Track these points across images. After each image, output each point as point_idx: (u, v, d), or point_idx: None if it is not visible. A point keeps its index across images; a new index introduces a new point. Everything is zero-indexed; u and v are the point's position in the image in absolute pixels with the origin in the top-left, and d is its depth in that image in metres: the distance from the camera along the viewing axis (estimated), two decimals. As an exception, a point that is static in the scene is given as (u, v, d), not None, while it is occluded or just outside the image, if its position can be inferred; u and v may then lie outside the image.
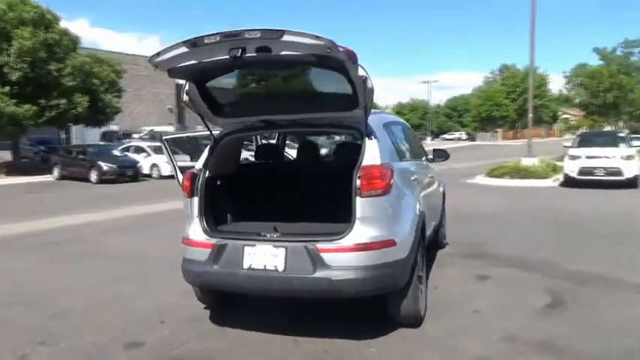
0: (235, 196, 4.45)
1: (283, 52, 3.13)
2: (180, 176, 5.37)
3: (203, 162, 4.04)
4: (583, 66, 38.06)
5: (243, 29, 3.03)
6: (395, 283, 3.64)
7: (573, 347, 3.57)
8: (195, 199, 3.88)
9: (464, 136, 71.57)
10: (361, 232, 3.50)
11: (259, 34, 3.02)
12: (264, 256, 3.61)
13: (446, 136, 73.88)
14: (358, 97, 3.59)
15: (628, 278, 5.18)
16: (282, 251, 3.58)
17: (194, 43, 3.16)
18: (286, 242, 3.60)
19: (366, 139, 3.74)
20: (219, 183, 4.09)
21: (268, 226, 3.90)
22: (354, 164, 3.63)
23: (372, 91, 3.53)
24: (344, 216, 3.75)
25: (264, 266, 3.60)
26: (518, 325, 3.98)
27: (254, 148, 5.35)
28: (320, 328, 3.95)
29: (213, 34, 3.10)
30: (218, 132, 4.28)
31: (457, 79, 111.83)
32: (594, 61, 37.96)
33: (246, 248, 3.66)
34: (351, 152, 4.14)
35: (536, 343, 3.65)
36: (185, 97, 3.87)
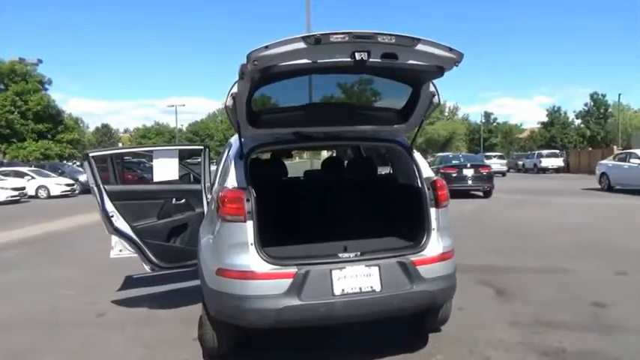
0: (277, 217, 3.82)
1: (410, 62, 2.96)
2: (107, 202, 4.34)
3: (241, 179, 3.38)
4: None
5: (377, 32, 2.77)
6: (456, 287, 3.73)
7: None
8: (250, 224, 3.21)
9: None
10: (439, 242, 3.51)
11: (394, 40, 2.81)
12: (356, 277, 3.22)
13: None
14: (412, 111, 3.63)
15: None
16: (375, 270, 3.25)
17: (318, 40, 2.73)
18: (378, 259, 3.31)
19: (414, 152, 3.80)
20: (262, 203, 3.48)
21: (335, 246, 3.49)
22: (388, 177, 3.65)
23: (437, 106, 3.61)
24: (398, 228, 3.69)
25: (360, 289, 3.21)
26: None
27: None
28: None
29: (340, 33, 2.74)
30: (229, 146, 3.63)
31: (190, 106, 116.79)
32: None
33: (334, 272, 3.20)
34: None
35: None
36: (230, 102, 3.21)
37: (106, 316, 4.96)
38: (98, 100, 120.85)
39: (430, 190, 3.55)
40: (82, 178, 22.22)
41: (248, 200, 3.23)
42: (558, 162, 38.27)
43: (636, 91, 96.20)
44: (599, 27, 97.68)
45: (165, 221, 4.78)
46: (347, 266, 3.23)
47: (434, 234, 3.49)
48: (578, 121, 58.72)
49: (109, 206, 4.51)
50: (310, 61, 2.84)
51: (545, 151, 41.08)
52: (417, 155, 3.80)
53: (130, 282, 6.20)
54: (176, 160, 4.67)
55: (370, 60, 2.84)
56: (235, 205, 3.22)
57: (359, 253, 3.33)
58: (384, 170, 4.89)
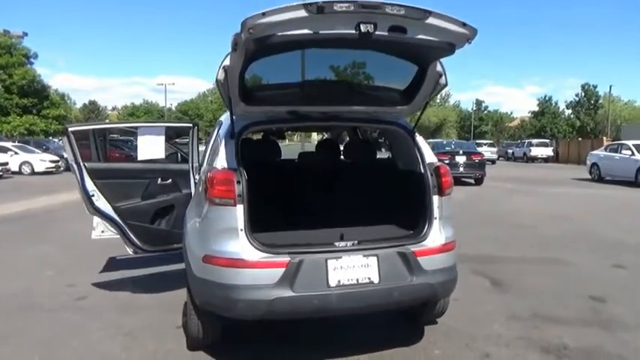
0: (269, 201, 3.58)
1: (419, 36, 2.70)
2: (87, 181, 4.08)
3: (231, 160, 3.13)
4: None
5: (385, 1, 2.52)
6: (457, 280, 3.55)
7: None
8: (241, 208, 2.98)
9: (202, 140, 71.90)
10: (441, 232, 3.31)
11: (403, 11, 2.54)
12: (353, 268, 3.02)
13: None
14: (417, 93, 3.39)
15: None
16: (373, 260, 3.05)
17: (320, 8, 2.47)
18: (376, 249, 3.10)
19: (417, 135, 3.58)
20: (252, 186, 3.24)
21: (331, 234, 3.27)
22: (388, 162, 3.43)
23: (443, 87, 3.37)
24: (398, 216, 3.49)
25: (357, 280, 3.00)
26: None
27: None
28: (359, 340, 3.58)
29: (345, 1, 2.48)
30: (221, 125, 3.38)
31: (180, 85, 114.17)
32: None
33: (329, 262, 2.98)
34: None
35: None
36: (221, 75, 2.94)
37: (85, 300, 4.72)
38: (86, 76, 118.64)
39: (433, 177, 3.34)
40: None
41: (238, 182, 2.99)
42: (548, 151, 38.37)
43: (627, 83, 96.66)
44: (592, 18, 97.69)
45: (149, 202, 4.52)
46: (343, 256, 3.02)
47: (436, 223, 3.29)
48: (568, 112, 58.90)
49: (90, 185, 4.24)
50: (311, 32, 2.58)
51: (535, 140, 41.17)
52: (419, 139, 3.58)
53: (113, 264, 5.95)
54: (162, 138, 4.39)
55: (376, 33, 2.59)
56: (225, 187, 2.98)
57: (356, 242, 3.12)
58: (379, 155, 4.67)
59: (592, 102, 56.70)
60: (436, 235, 3.27)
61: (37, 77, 38.08)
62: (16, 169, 22.21)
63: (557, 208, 11.50)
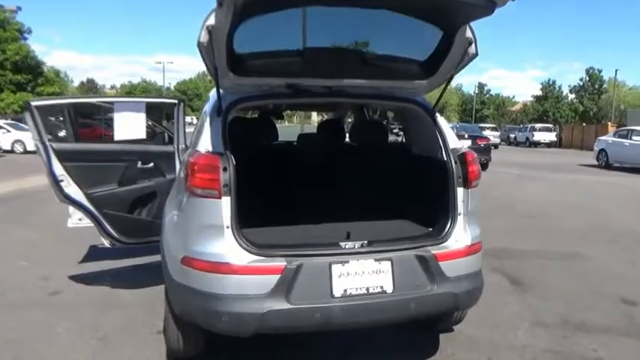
0: (262, 192, 3.06)
1: None
2: (55, 164, 3.56)
3: (217, 142, 2.60)
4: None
5: None
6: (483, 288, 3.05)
7: None
8: (227, 201, 2.45)
9: (195, 121, 70.61)
10: (467, 230, 2.80)
11: None
12: (362, 275, 2.51)
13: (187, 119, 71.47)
14: (440, 64, 2.83)
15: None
16: (387, 265, 2.54)
17: None
18: (391, 251, 2.58)
19: (438, 116, 3.04)
20: (242, 173, 2.71)
21: (336, 232, 2.75)
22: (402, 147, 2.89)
23: (473, 58, 2.81)
24: (415, 211, 2.97)
25: (367, 289, 2.49)
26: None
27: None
28: None
29: None
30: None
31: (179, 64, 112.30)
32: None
33: (334, 267, 2.47)
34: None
35: None
36: (204, 37, 2.38)
37: (59, 295, 4.24)
38: (83, 53, 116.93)
39: (458, 165, 2.81)
40: (62, 133, 21.03)
41: (225, 169, 2.46)
42: (551, 136, 37.75)
43: (631, 69, 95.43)
44: (597, 2, 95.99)
45: (128, 189, 3.98)
46: (350, 260, 2.51)
47: (460, 220, 2.77)
48: (571, 96, 58.05)
49: (58, 169, 3.70)
50: None
51: (538, 125, 40.47)
52: (441, 120, 3.04)
53: (94, 253, 5.42)
54: (143, 115, 3.85)
55: None
56: (208, 176, 2.45)
57: (366, 243, 2.60)
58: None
59: (596, 87, 55.85)
60: (460, 234, 2.76)
61: (32, 53, 37.14)
62: (8, 148, 21.50)
63: (568, 196, 11.01)
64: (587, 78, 56.00)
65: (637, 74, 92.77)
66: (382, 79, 2.95)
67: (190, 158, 2.59)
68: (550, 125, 41.79)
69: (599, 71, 55.61)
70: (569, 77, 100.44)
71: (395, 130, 9.65)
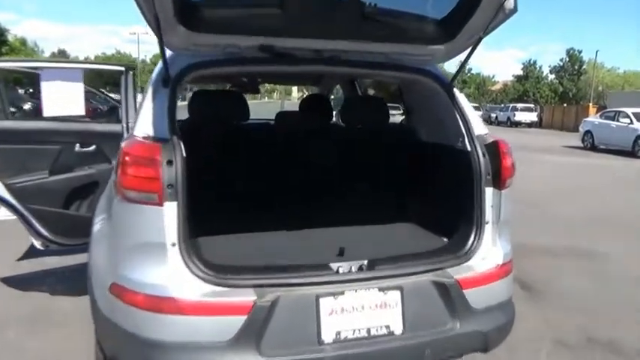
0: (225, 192, 2.33)
1: None
2: None
3: (160, 124, 1.84)
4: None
5: None
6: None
7: None
8: (172, 208, 1.72)
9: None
10: (497, 245, 2.13)
11: None
12: (362, 310, 1.82)
13: None
14: (464, 23, 2.11)
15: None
16: (395, 296, 1.85)
17: None
18: (399, 277, 1.89)
19: (456, 92, 2.33)
20: (198, 167, 1.96)
21: (325, 248, 2.05)
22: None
23: (511, 14, 2.07)
24: (427, 218, 2.30)
25: (368, 331, 1.81)
26: None
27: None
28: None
29: None
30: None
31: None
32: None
33: (323, 301, 1.78)
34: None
35: None
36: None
37: (-20, 306, 3.46)
38: (57, 22, 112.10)
39: (486, 158, 2.12)
40: (27, 106, 19.58)
41: (170, 163, 1.72)
42: (532, 117, 37.61)
43: (610, 50, 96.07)
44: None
45: (62, 178, 3.20)
46: (346, 289, 1.81)
47: (489, 231, 2.09)
48: (551, 77, 58.05)
49: None
50: None
51: (519, 105, 40.26)
52: (461, 98, 2.33)
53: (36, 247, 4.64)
54: (80, 86, 3.06)
55: None
56: (144, 172, 1.71)
57: (366, 264, 1.91)
58: None
59: (576, 67, 55.90)
60: (488, 250, 2.09)
61: (-6, 20, 35.14)
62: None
63: (563, 180, 10.54)
64: (568, 59, 56.02)
65: (615, 56, 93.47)
66: (388, 41, 2.20)
67: (123, 147, 1.84)
68: (531, 105, 41.63)
69: (580, 52, 55.70)
70: (547, 57, 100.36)
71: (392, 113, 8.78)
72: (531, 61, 60.41)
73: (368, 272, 1.87)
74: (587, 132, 18.21)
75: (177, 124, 1.88)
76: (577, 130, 20.24)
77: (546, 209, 7.35)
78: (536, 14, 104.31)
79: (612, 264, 4.78)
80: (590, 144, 17.81)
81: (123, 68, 3.16)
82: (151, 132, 1.82)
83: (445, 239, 2.27)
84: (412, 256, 2.01)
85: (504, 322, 2.09)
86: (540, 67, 59.69)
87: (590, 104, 36.37)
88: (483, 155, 2.11)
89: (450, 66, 2.44)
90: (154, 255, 1.72)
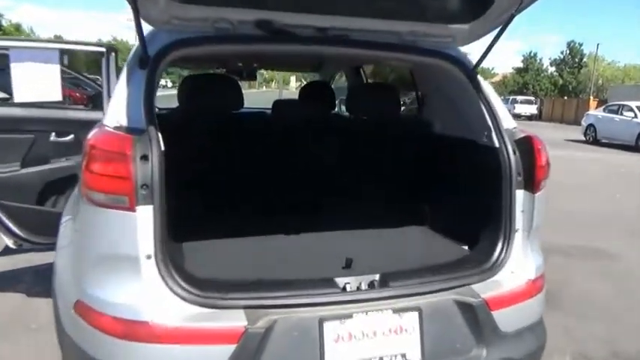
0: (210, 194, 2.03)
1: None
2: None
3: (135, 113, 1.54)
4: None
5: None
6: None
7: None
8: (147, 213, 1.42)
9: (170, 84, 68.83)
10: (527, 257, 1.85)
11: None
12: (374, 337, 1.53)
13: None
14: None
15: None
16: (412, 319, 1.57)
17: None
18: (417, 295, 1.61)
19: (480, 79, 2.04)
20: (180, 163, 1.66)
21: (329, 260, 1.77)
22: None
23: None
24: (445, 223, 2.02)
25: (380, 361, 1.53)
26: None
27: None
28: None
29: None
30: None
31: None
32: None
33: (328, 326, 1.50)
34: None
35: None
36: None
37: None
38: (52, 8, 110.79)
39: (517, 156, 1.83)
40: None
41: (145, 159, 1.42)
42: (532, 109, 37.31)
43: (611, 44, 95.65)
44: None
45: (35, 170, 2.90)
46: (354, 312, 1.52)
47: (519, 241, 1.81)
48: (552, 69, 57.67)
49: None
50: None
51: (519, 97, 39.93)
52: (486, 86, 2.04)
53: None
54: (56, 68, 2.74)
55: None
56: (112, 170, 1.42)
57: (377, 280, 1.62)
58: None
59: (576, 60, 55.51)
60: (519, 262, 1.80)
61: (-12, 5, 34.56)
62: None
63: (566, 175, 10.18)
64: (568, 51, 55.60)
65: (615, 50, 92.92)
66: (402, 19, 1.90)
67: (89, 139, 1.54)
68: (532, 98, 41.31)
69: (580, 45, 55.29)
70: (547, 50, 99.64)
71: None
72: (531, 54, 59.91)
73: (381, 290, 1.59)
74: (590, 125, 17.91)
75: (166, 113, 1.59)
76: (578, 124, 19.98)
77: (553, 205, 7.05)
78: (536, 6, 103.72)
79: (627, 265, 4.53)
80: (593, 138, 17.53)
81: (104, 49, 2.85)
82: (123, 121, 1.52)
83: (465, 247, 1.99)
84: (431, 269, 1.72)
85: (536, 348, 1.81)
86: (540, 60, 59.28)
87: (591, 97, 36.10)
88: (514, 152, 1.82)
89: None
90: (125, 269, 1.43)
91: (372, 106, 2.47)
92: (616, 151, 15.12)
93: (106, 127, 1.53)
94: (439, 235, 2.14)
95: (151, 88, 1.59)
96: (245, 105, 2.40)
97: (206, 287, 1.49)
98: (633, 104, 16.23)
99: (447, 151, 2.26)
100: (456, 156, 2.16)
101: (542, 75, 57.38)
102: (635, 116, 15.58)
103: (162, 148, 1.48)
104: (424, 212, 2.31)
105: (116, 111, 1.55)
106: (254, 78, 4.50)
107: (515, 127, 1.98)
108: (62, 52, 2.86)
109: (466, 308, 1.63)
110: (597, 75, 51.80)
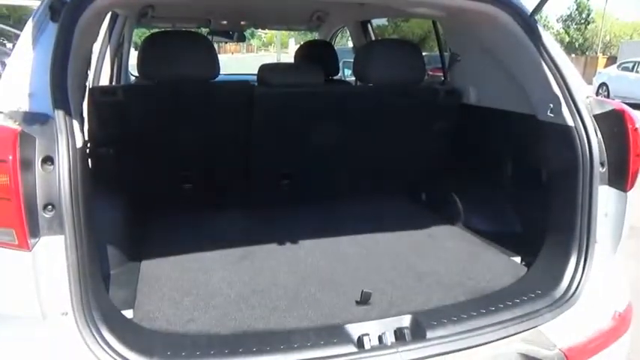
0: (172, 192, 1.53)
1: None
2: None
3: (39, 92, 1.00)
4: None
5: None
6: None
7: None
8: (56, 246, 0.91)
9: None
10: (611, 278, 1.35)
11: None
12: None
13: None
14: None
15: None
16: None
17: None
18: (467, 350, 1.11)
19: (541, 28, 1.49)
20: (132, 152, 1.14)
21: (335, 290, 1.28)
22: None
23: None
24: (493, 230, 1.54)
25: None
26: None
27: None
28: None
29: None
30: None
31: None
32: None
33: None
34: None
35: None
36: None
37: None
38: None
39: (599, 138, 1.30)
40: (5, 59, 18.10)
41: (48, 162, 0.90)
42: (540, 68, 36.28)
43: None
44: None
45: None
46: None
47: (600, 257, 1.30)
48: (557, 26, 56.09)
49: None
50: None
51: (526, 56, 38.78)
52: (548, 39, 1.48)
53: None
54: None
55: None
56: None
57: (408, 326, 1.12)
58: None
59: (583, 16, 53.90)
60: (599, 286, 1.30)
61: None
62: None
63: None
64: (576, 7, 53.99)
65: (624, 4, 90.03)
66: None
67: None
68: (538, 56, 40.20)
69: (587, 0, 53.62)
70: (553, 7, 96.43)
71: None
72: (537, 10, 58.19)
73: (414, 343, 1.08)
74: (602, 84, 17.20)
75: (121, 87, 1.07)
76: (588, 82, 19.20)
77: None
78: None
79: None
80: (606, 97, 16.83)
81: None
82: (17, 103, 0.99)
83: (517, 259, 1.48)
84: (482, 302, 1.22)
85: None
86: (547, 17, 57.59)
87: (600, 55, 34.94)
88: (595, 132, 1.29)
89: None
90: (24, 335, 0.93)
91: (389, 70, 1.89)
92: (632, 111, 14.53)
93: None
94: (482, 243, 1.63)
95: (65, 51, 1.05)
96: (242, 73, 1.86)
97: (158, 350, 0.99)
98: (650, 61, 15.47)
99: (490, 130, 1.72)
100: (505, 136, 1.63)
101: (548, 32, 55.86)
102: (652, 73, 14.87)
103: (80, 143, 0.96)
104: (457, 211, 1.80)
105: (6, 87, 1.01)
106: (243, 39, 3.89)
107: (589, 97, 1.44)
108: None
109: None
110: (605, 31, 50.28)
